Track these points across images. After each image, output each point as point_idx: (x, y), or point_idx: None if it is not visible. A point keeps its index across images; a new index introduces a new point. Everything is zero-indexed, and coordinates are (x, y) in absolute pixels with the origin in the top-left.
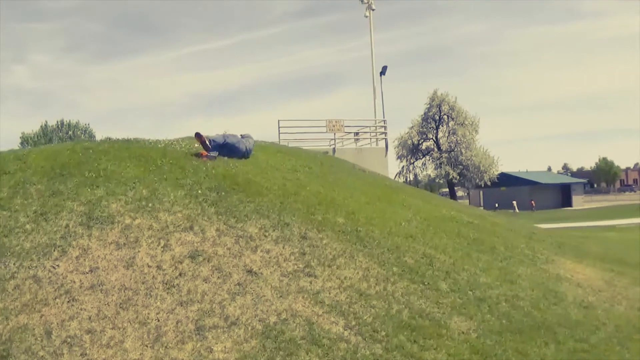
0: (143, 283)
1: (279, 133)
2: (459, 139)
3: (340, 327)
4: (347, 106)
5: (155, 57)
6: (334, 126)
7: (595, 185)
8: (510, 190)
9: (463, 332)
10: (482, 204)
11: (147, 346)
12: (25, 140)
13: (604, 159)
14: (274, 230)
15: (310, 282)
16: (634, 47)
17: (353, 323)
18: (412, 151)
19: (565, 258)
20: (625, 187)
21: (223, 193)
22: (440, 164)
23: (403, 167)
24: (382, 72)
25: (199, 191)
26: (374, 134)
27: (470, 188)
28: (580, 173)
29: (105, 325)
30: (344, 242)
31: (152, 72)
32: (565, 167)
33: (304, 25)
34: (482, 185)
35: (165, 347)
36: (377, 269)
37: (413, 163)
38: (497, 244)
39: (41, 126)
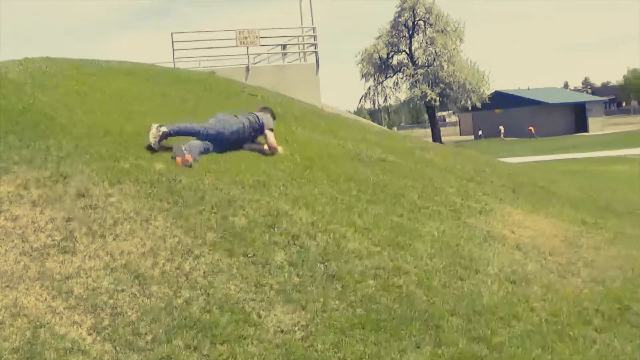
0: None
1: (173, 50)
2: (438, 50)
3: (83, 330)
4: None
5: None
6: (245, 38)
7: (624, 104)
8: (507, 113)
9: (282, 331)
10: (473, 130)
11: None
12: None
13: (634, 70)
14: (39, 187)
15: (62, 262)
16: None
17: (106, 323)
18: (380, 68)
19: (515, 206)
20: None
21: None
22: (416, 82)
23: (369, 88)
24: None
25: None
26: (301, 46)
27: (455, 112)
28: (605, 89)
29: None
30: (143, 198)
31: None
32: (586, 82)
33: None
34: (470, 108)
35: None
36: (181, 237)
37: (382, 82)
38: (409, 190)
39: None
